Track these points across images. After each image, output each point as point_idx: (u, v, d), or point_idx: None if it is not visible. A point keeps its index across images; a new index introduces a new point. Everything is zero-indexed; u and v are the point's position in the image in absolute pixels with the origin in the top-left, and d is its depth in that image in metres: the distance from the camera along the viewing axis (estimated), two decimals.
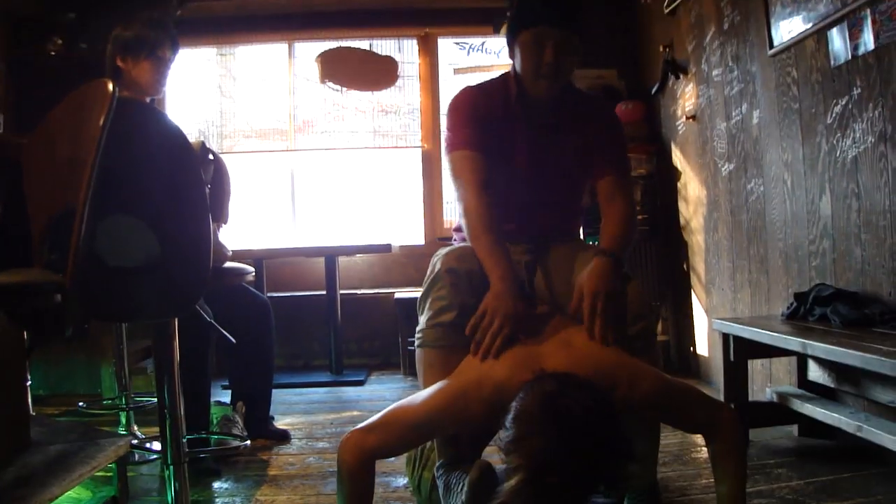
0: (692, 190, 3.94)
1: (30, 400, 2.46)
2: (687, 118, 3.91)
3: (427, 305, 1.99)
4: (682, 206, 4.12)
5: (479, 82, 2.25)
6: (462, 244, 2.10)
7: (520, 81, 2.13)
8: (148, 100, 2.72)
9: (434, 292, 1.97)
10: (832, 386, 2.59)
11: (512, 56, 2.12)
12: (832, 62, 2.60)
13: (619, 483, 1.71)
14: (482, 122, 2.11)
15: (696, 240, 3.92)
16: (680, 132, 4.07)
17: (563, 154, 2.17)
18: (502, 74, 2.22)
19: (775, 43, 2.97)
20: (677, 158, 4.15)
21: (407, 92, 5.41)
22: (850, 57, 2.51)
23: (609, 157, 2.16)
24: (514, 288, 1.85)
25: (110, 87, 1.48)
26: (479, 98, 2.17)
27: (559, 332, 1.81)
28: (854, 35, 2.47)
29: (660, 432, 2.04)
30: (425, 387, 1.89)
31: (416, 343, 2.00)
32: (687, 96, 3.93)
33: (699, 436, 2.78)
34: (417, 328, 2.01)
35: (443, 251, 2.04)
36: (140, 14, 2.76)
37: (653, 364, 1.85)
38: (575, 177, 2.24)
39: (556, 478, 1.38)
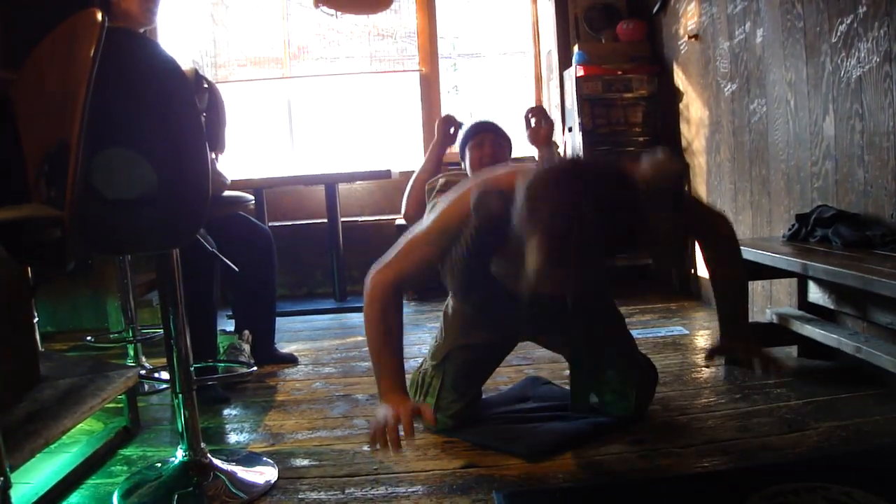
0: (694, 111, 3.90)
1: (38, 336, 2.49)
2: (689, 37, 3.84)
3: None
4: (683, 127, 4.08)
5: None
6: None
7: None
8: (141, 31, 2.66)
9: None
10: (832, 307, 2.61)
11: (463, 160, 2.78)
12: None
13: (641, 246, 1.85)
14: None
15: (698, 161, 3.90)
16: (682, 52, 4.00)
17: None
18: None
19: None
20: (679, 79, 4.09)
21: (403, 15, 5.29)
22: None
23: None
24: None
25: (99, 16, 1.44)
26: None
27: None
28: None
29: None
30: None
31: None
32: (689, 15, 3.84)
33: (699, 357, 2.84)
34: None
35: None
36: None
37: None
38: None
39: (574, 238, 1.33)
